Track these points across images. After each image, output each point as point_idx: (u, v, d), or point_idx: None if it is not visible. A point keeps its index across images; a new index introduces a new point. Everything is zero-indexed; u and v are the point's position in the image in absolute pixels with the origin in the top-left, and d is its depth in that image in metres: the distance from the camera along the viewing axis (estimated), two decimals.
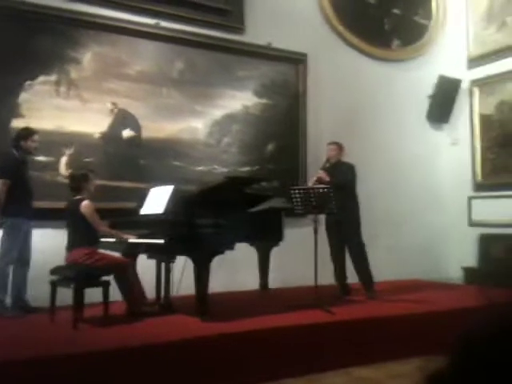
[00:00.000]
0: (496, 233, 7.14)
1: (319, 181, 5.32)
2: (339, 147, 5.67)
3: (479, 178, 7.54)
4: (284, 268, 6.14)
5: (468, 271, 7.25)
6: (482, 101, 7.57)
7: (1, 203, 4.68)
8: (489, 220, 7.30)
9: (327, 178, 5.31)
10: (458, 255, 7.51)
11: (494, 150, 7.40)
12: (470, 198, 7.60)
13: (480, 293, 0.71)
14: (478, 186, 7.54)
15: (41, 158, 5.29)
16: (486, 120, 7.51)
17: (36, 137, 4.92)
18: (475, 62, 7.67)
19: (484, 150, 7.51)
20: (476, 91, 7.65)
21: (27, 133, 4.88)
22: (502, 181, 7.22)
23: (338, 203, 4.88)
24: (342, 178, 5.38)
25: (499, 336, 0.63)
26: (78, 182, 4.47)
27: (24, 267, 4.81)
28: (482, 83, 7.55)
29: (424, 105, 7.86)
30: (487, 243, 7.26)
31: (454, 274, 7.40)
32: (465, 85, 7.76)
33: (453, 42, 8.03)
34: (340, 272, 5.61)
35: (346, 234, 5.48)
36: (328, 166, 5.52)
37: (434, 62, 7.94)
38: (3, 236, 4.76)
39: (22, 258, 4.78)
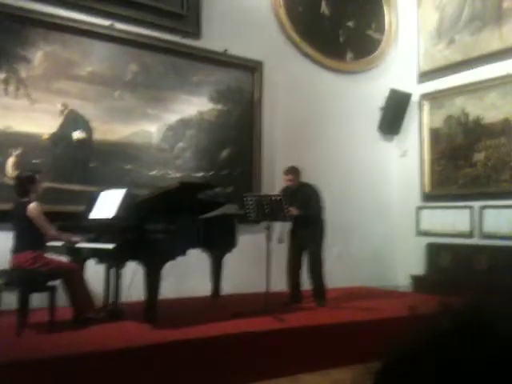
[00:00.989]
0: (443, 242, 7.36)
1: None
2: (296, 173, 5.59)
3: (427, 188, 7.75)
4: (236, 274, 6.11)
5: (416, 279, 7.42)
6: (431, 114, 7.80)
7: None
8: (436, 230, 7.51)
9: (294, 212, 5.25)
10: (406, 263, 7.69)
11: (441, 162, 7.63)
12: (419, 208, 7.80)
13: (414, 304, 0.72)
14: (426, 197, 7.75)
15: None
16: (434, 133, 7.74)
17: None
18: (425, 76, 7.91)
19: (432, 161, 7.74)
20: (426, 105, 7.88)
21: None
22: (448, 192, 7.45)
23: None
24: (308, 208, 5.39)
25: (421, 351, 0.63)
26: (23, 184, 4.31)
27: None
28: (432, 97, 7.78)
29: (376, 116, 8.04)
30: (434, 252, 7.46)
31: (402, 281, 7.56)
32: (415, 98, 7.98)
33: (404, 57, 8.25)
34: (295, 279, 5.63)
35: (307, 242, 5.53)
36: (290, 193, 5.45)
37: (386, 75, 8.13)
38: None
39: None
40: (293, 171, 5.60)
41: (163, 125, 6.27)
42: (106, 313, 4.58)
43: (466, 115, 7.34)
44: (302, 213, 5.33)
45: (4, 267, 4.25)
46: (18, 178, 4.44)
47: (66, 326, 4.06)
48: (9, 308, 4.12)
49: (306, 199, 5.46)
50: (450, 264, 7.22)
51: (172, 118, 6.33)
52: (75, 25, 5.70)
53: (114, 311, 4.58)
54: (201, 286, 5.72)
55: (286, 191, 5.52)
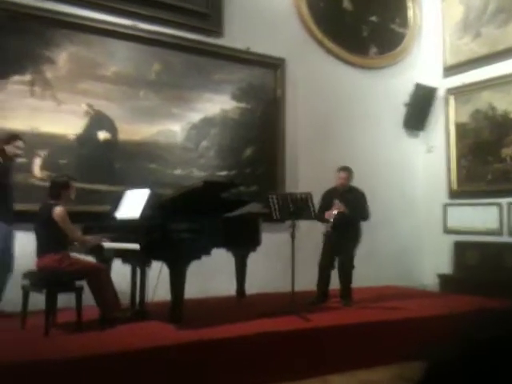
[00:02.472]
0: (471, 240, 7.23)
1: (338, 215, 5.28)
2: (350, 173, 5.62)
3: (454, 185, 7.62)
4: (261, 274, 6.10)
5: (443, 278, 7.32)
6: (457, 109, 7.67)
7: None
8: (464, 227, 7.38)
9: (345, 211, 5.29)
10: (433, 262, 7.58)
11: (468, 157, 7.50)
12: (445, 206, 7.68)
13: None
14: (453, 194, 7.63)
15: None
16: (460, 128, 7.60)
17: (19, 143, 4.80)
18: (451, 70, 7.77)
19: (459, 157, 7.61)
20: (451, 100, 7.74)
21: (9, 137, 4.79)
22: (476, 189, 7.32)
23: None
24: (357, 209, 5.40)
25: (463, 361, 0.60)
26: (58, 188, 4.34)
27: (4, 271, 4.68)
28: (458, 92, 7.65)
29: (400, 112, 7.93)
30: (462, 250, 7.34)
31: (429, 280, 7.46)
32: (440, 93, 7.86)
33: (429, 51, 8.12)
34: (325, 280, 5.59)
35: (343, 246, 5.47)
36: (340, 193, 5.49)
37: (411, 70, 8.02)
38: None
39: (2, 261, 4.66)
40: (347, 170, 5.62)
41: (187, 124, 6.28)
42: (132, 313, 4.60)
43: (494, 109, 7.20)
44: (350, 213, 5.31)
45: (29, 268, 4.30)
46: (53, 182, 4.47)
47: (92, 326, 4.09)
48: (36, 308, 4.16)
49: (354, 202, 5.44)
50: (478, 262, 7.09)
51: (196, 116, 6.33)
52: (99, 25, 5.74)
53: (141, 311, 4.60)
54: (226, 286, 5.72)
55: (335, 192, 5.53)
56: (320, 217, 5.33)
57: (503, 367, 0.56)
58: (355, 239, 5.54)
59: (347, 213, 5.31)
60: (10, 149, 4.76)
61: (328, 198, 5.53)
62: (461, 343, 0.63)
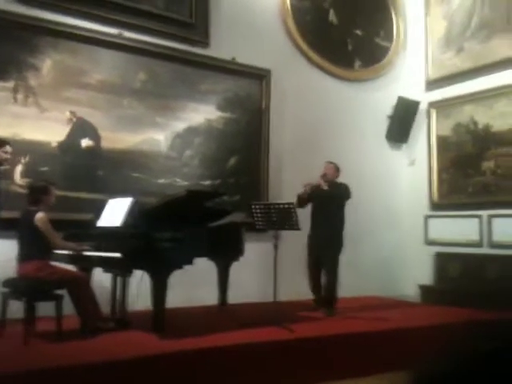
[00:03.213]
0: (451, 251, 7.30)
1: (315, 187, 5.42)
2: (337, 168, 5.76)
3: (435, 197, 7.70)
4: (244, 283, 6.09)
5: (424, 289, 7.36)
6: (439, 123, 7.77)
7: None
8: (445, 239, 7.46)
9: (325, 187, 5.43)
10: (414, 273, 7.63)
11: (449, 170, 7.59)
12: (427, 217, 7.75)
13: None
14: (435, 206, 7.71)
15: None
16: (442, 141, 7.70)
17: (7, 147, 4.72)
18: (433, 84, 7.88)
19: (440, 170, 7.70)
20: (433, 113, 7.85)
21: None
22: (457, 201, 7.41)
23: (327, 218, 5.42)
24: (339, 192, 5.57)
25: (457, 374, 0.61)
26: (37, 193, 4.30)
27: None
28: (440, 105, 7.75)
29: (383, 125, 8.01)
30: (443, 262, 7.40)
31: (411, 291, 7.50)
32: (423, 106, 7.95)
33: (412, 65, 8.23)
34: (316, 283, 5.65)
35: (324, 249, 5.53)
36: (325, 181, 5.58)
37: (394, 83, 8.12)
38: None
39: None
40: (334, 163, 5.77)
41: (171, 133, 6.27)
42: (113, 322, 4.56)
43: (475, 123, 7.31)
44: (331, 191, 5.46)
45: (10, 276, 4.24)
46: (31, 188, 4.42)
47: (73, 336, 4.04)
48: (15, 317, 4.10)
49: (336, 188, 5.58)
50: (459, 274, 7.16)
51: (180, 125, 6.33)
52: (84, 33, 5.72)
53: (122, 320, 4.56)
54: (208, 295, 5.69)
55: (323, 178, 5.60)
56: (300, 200, 5.47)
57: (496, 379, 0.56)
58: (337, 247, 5.57)
59: (326, 189, 5.43)
60: None
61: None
62: (452, 356, 0.64)
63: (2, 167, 4.84)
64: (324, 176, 5.60)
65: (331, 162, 5.78)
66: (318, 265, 5.61)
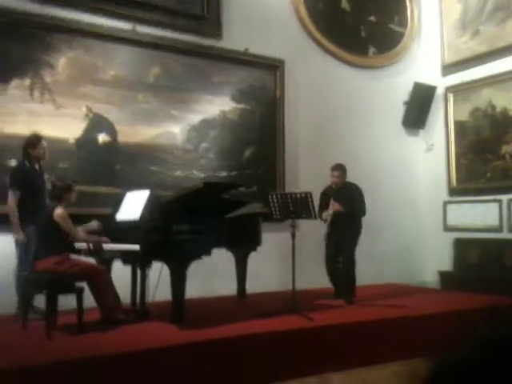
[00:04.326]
0: (471, 237, 7.24)
1: (333, 214, 5.38)
2: (343, 171, 5.67)
3: (454, 183, 7.63)
4: (262, 273, 6.11)
5: (444, 275, 7.32)
6: (457, 107, 7.68)
7: (14, 214, 4.68)
8: (464, 225, 7.39)
9: (341, 209, 5.39)
10: (433, 259, 7.59)
11: (468, 155, 7.50)
12: (445, 203, 7.69)
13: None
14: (453, 191, 7.63)
15: (14, 163, 5.19)
16: (460, 126, 7.61)
17: (43, 143, 4.90)
18: (450, 69, 7.78)
19: (458, 155, 7.61)
20: (451, 98, 7.75)
21: (34, 140, 4.88)
22: (475, 186, 7.32)
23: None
24: (353, 206, 5.48)
25: (475, 363, 0.61)
26: (60, 191, 4.37)
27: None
28: (457, 90, 7.66)
29: (400, 111, 7.94)
30: (462, 248, 7.34)
31: (430, 278, 7.46)
32: (440, 91, 7.86)
33: (428, 50, 8.13)
34: (334, 274, 5.66)
35: (344, 242, 5.54)
36: (335, 191, 5.55)
37: (410, 69, 8.03)
38: (20, 245, 4.69)
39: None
40: (340, 168, 5.66)
41: (187, 125, 6.30)
42: (133, 314, 4.61)
43: (493, 107, 7.21)
44: (346, 210, 5.39)
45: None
46: (54, 185, 4.48)
47: (94, 328, 4.10)
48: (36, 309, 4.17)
49: (350, 198, 5.50)
50: (478, 259, 7.09)
51: (195, 118, 6.36)
52: (97, 30, 5.77)
53: (142, 312, 4.61)
54: (227, 286, 5.73)
55: (331, 190, 5.61)
56: (320, 216, 5.40)
57: None
58: (354, 236, 5.57)
59: (343, 210, 5.39)
60: (35, 151, 4.86)
61: (325, 197, 5.61)
62: (473, 343, 0.63)
63: (42, 160, 4.99)
64: (336, 180, 5.59)
65: (337, 169, 5.64)
66: (337, 252, 5.60)
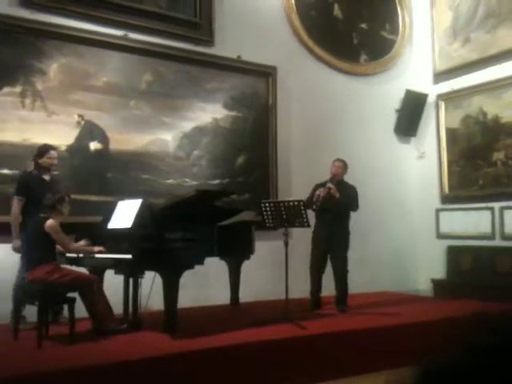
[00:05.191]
0: (463, 245, 7.25)
1: (329, 194, 5.34)
2: (345, 165, 5.71)
3: (446, 190, 7.65)
4: (255, 282, 6.09)
5: (437, 283, 7.32)
6: (448, 115, 7.72)
7: (17, 219, 4.70)
8: (456, 232, 7.41)
9: (337, 194, 5.36)
10: (426, 267, 7.60)
11: (459, 163, 7.53)
12: (438, 211, 7.71)
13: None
14: (445, 199, 7.66)
15: (5, 171, 5.15)
16: (451, 133, 7.65)
17: (53, 153, 4.92)
18: (441, 76, 7.82)
19: (450, 162, 7.64)
20: (442, 105, 7.79)
21: (42, 149, 4.90)
22: (468, 193, 7.35)
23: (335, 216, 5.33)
24: (348, 198, 5.48)
25: (462, 368, 0.60)
26: (52, 202, 4.34)
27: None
28: (448, 97, 7.70)
29: (392, 118, 7.97)
30: (455, 255, 7.35)
31: (423, 285, 7.46)
32: (431, 99, 7.90)
33: (419, 57, 8.18)
34: (317, 284, 5.59)
35: (333, 247, 5.50)
36: (334, 183, 5.51)
37: (401, 76, 8.07)
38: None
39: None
40: (343, 162, 5.72)
41: (179, 133, 6.28)
42: (126, 323, 4.57)
43: (484, 114, 7.25)
44: (341, 200, 5.36)
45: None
46: (47, 196, 4.44)
47: (86, 338, 4.06)
48: (29, 320, 4.13)
49: (345, 195, 5.47)
50: (471, 267, 7.11)
51: (187, 125, 6.34)
52: (89, 36, 5.74)
53: (134, 321, 4.57)
54: (220, 295, 5.71)
55: (332, 180, 5.54)
56: (308, 202, 5.33)
57: (505, 374, 0.55)
58: (345, 240, 5.54)
59: (337, 197, 5.35)
60: (43, 160, 4.86)
61: (319, 187, 5.54)
62: (461, 349, 0.63)
63: (51, 170, 5.00)
64: (334, 177, 5.57)
65: (340, 160, 5.71)
66: (324, 260, 5.56)
